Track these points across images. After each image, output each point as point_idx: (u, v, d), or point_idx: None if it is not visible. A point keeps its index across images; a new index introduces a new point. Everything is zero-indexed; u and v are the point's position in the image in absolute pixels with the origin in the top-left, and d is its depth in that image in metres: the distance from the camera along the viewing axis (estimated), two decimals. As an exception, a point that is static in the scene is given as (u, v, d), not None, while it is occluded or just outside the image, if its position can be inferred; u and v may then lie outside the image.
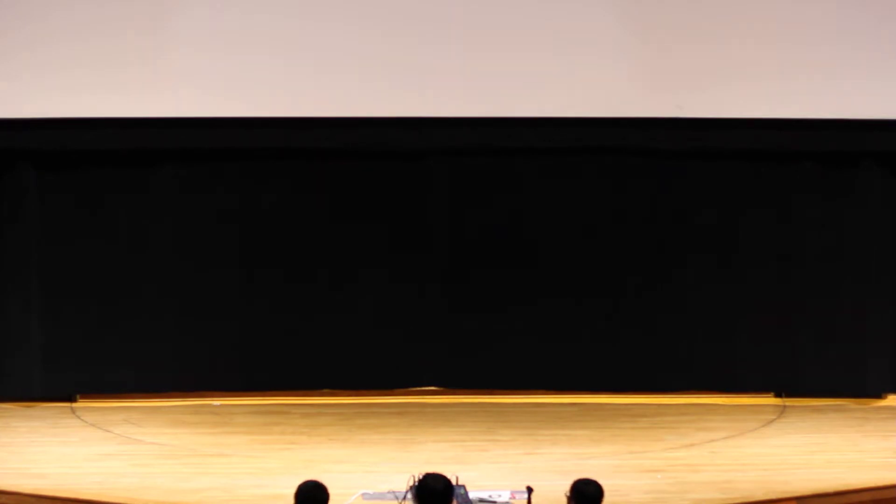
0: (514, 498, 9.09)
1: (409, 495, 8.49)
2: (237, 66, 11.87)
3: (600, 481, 6.89)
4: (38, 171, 12.32)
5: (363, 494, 9.22)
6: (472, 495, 8.89)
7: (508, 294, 12.59)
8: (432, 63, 11.94)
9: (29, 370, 12.34)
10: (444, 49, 11.93)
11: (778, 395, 12.72)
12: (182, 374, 12.50)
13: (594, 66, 11.95)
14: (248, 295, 12.47)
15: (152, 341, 12.39)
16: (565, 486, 6.93)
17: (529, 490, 7.83)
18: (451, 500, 6.66)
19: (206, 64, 11.89)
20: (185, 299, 12.44)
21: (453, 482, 6.89)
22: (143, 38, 11.79)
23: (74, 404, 12.38)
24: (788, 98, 11.99)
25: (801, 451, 10.85)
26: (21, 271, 12.34)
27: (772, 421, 11.94)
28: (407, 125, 12.14)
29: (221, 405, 12.47)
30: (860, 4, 11.94)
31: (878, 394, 12.64)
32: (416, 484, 6.78)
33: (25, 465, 10.32)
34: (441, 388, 12.74)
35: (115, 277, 12.37)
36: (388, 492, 9.07)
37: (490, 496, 9.09)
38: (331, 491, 6.76)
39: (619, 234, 12.59)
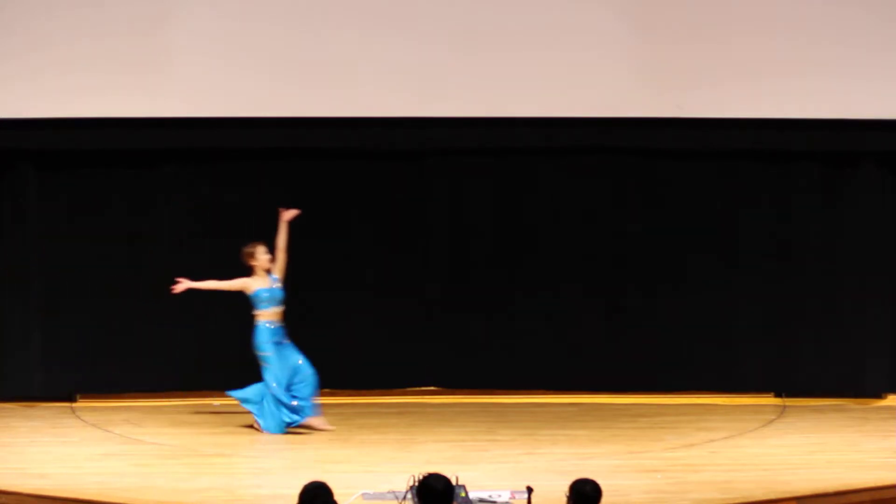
0: (513, 498, 9.09)
1: (410, 495, 8.50)
2: (237, 68, 11.89)
3: (600, 481, 6.89)
4: (39, 172, 12.34)
5: (363, 494, 9.23)
6: (472, 495, 8.88)
7: (508, 294, 12.61)
8: (433, 63, 11.95)
9: (29, 370, 12.35)
10: (444, 50, 11.94)
11: (778, 395, 12.73)
12: (182, 374, 12.52)
13: (594, 66, 11.97)
14: (248, 295, 12.47)
15: (152, 341, 12.41)
16: (565, 486, 6.93)
17: (529, 490, 7.82)
18: (451, 500, 6.67)
19: (206, 65, 11.90)
20: (184, 299, 12.41)
21: (453, 482, 6.89)
22: (143, 39, 11.81)
23: (74, 404, 12.40)
24: (788, 98, 12.01)
25: (801, 451, 10.85)
26: (21, 271, 12.35)
27: (772, 421, 11.94)
28: (407, 125, 12.16)
29: (221, 405, 12.47)
30: (860, 4, 11.95)
31: (878, 394, 12.65)
32: (417, 484, 6.79)
33: (26, 465, 10.32)
34: (441, 388, 12.75)
35: (114, 277, 12.39)
36: (388, 492, 9.07)
37: (490, 496, 9.09)
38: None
39: (619, 234, 12.61)
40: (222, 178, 12.52)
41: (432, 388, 12.79)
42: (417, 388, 12.69)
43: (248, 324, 12.44)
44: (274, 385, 11.31)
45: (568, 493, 6.87)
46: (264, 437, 11.33)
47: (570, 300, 12.61)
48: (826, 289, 12.55)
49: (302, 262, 12.38)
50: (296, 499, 6.55)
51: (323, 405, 11.84)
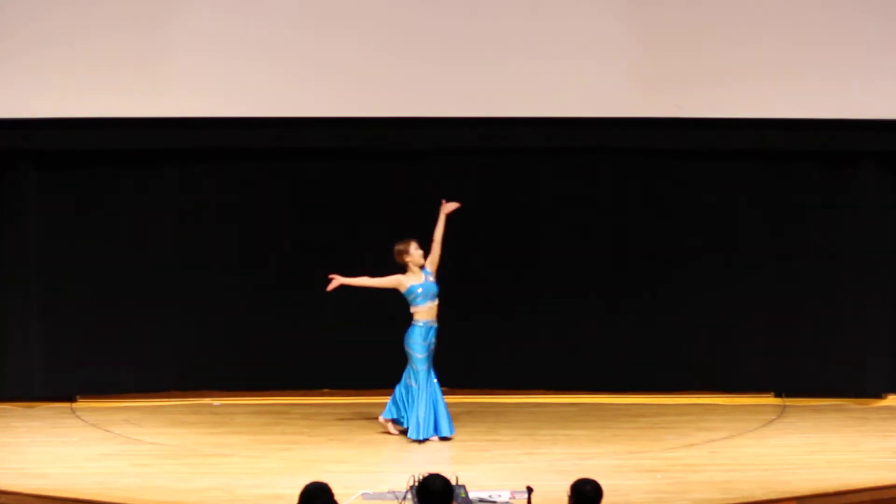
0: (513, 498, 9.09)
1: (409, 495, 8.50)
2: (237, 68, 11.87)
3: (600, 481, 6.89)
4: (39, 172, 12.34)
5: (363, 494, 9.23)
6: (472, 495, 8.89)
7: (508, 294, 12.60)
8: (434, 63, 11.94)
9: (29, 370, 12.35)
10: (445, 50, 11.93)
11: (778, 395, 12.72)
12: (182, 374, 12.52)
13: (594, 66, 11.96)
14: (248, 295, 12.49)
15: (152, 341, 12.41)
16: (565, 486, 6.93)
17: (529, 490, 7.83)
18: (450, 501, 6.67)
19: (206, 65, 11.90)
20: (184, 299, 12.45)
21: (453, 482, 6.89)
22: (143, 39, 11.80)
23: (74, 404, 12.39)
24: (788, 98, 12.00)
25: (801, 451, 10.85)
26: (21, 271, 12.35)
27: (772, 421, 11.94)
28: (407, 125, 12.15)
29: (221, 405, 12.47)
30: (860, 4, 11.95)
31: (878, 394, 12.65)
32: (417, 484, 6.79)
33: (26, 465, 10.33)
34: (441, 388, 12.73)
35: (114, 278, 12.39)
36: (389, 492, 9.07)
37: (490, 496, 9.09)
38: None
39: (619, 234, 12.61)
40: (222, 178, 12.51)
41: (432, 388, 12.79)
42: (417, 388, 12.67)
43: (250, 324, 12.47)
44: (416, 386, 11.13)
45: (569, 493, 6.87)
46: (264, 437, 11.32)
47: (570, 300, 12.61)
48: (826, 289, 12.55)
49: (301, 262, 12.41)
50: (296, 499, 6.55)
51: (323, 405, 11.86)
